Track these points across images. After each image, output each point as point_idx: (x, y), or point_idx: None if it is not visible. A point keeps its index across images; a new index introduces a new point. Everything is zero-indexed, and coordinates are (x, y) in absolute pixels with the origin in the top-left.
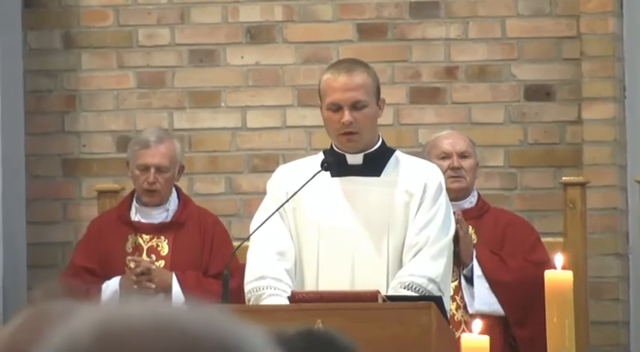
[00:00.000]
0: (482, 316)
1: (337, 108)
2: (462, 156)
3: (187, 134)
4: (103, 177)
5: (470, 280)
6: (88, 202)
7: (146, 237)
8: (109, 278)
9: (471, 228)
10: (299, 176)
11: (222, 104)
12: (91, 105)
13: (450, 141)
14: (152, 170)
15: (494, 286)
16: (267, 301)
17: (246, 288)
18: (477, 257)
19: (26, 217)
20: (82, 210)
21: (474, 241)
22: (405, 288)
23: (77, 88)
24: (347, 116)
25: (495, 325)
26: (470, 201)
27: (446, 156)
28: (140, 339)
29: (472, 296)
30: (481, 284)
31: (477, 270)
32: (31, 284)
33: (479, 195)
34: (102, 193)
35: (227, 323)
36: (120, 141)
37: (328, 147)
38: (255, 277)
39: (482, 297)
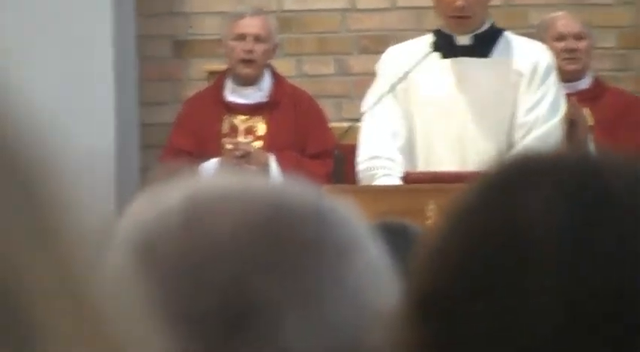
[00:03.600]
0: None
1: None
2: (578, 37)
3: (297, 15)
4: (213, 58)
5: None
6: (198, 83)
7: (242, 117)
8: (205, 159)
9: (587, 110)
10: (409, 57)
11: None
12: None
13: (565, 22)
14: (249, 38)
15: None
16: (380, 181)
17: (359, 168)
18: (593, 140)
19: (138, 98)
20: (191, 91)
21: (590, 124)
22: None
23: None
24: (460, 0)
25: None
26: (585, 82)
27: (561, 37)
28: (229, 219)
29: None
30: None
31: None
32: (143, 165)
33: (595, 75)
34: (211, 74)
35: (320, 197)
36: None
37: (437, 28)
38: (369, 157)
39: None
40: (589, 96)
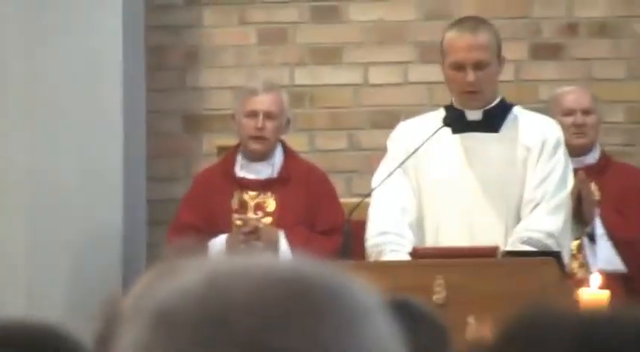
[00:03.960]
0: (604, 273)
1: (460, 67)
2: (586, 112)
3: (309, 90)
4: (223, 133)
5: (593, 239)
6: (209, 158)
7: (252, 193)
8: (214, 235)
9: (593, 184)
10: (419, 132)
11: (344, 60)
12: (212, 61)
13: (573, 97)
14: (261, 116)
15: (618, 244)
16: (388, 257)
17: (368, 243)
18: (600, 215)
19: (147, 173)
20: (202, 167)
21: (597, 198)
22: (523, 243)
23: (199, 43)
24: (471, 76)
25: (615, 281)
26: (593, 157)
27: (569, 112)
28: (249, 287)
29: (594, 254)
30: (604, 243)
31: (600, 229)
32: (151, 241)
33: (602, 150)
34: (222, 149)
35: (336, 274)
36: None
37: (449, 103)
38: (377, 232)
39: (605, 256)
40: (596, 171)
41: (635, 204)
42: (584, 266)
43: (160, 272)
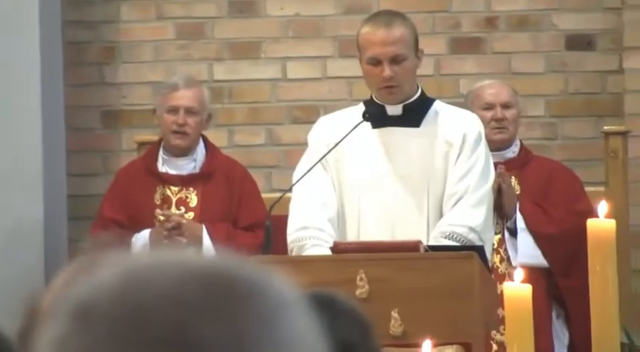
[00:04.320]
0: (526, 267)
1: (377, 62)
2: (505, 106)
3: (227, 85)
4: (143, 128)
5: (513, 233)
6: (128, 154)
7: (174, 188)
8: (137, 230)
9: (513, 178)
10: (340, 127)
11: (262, 55)
12: (131, 56)
13: (493, 91)
14: (181, 111)
15: (538, 238)
16: (309, 251)
17: (289, 239)
18: (520, 209)
19: (66, 169)
20: (122, 162)
21: (517, 192)
22: (445, 238)
23: (116, 39)
24: (387, 71)
25: (538, 275)
26: (512, 151)
27: (489, 106)
28: (168, 282)
29: (515, 248)
30: (524, 237)
31: (520, 223)
32: (72, 236)
33: (521, 144)
34: (142, 145)
35: (255, 268)
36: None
37: (369, 97)
38: (298, 227)
39: (526, 250)
40: (516, 165)
41: (556, 198)
42: (505, 260)
43: (80, 267)
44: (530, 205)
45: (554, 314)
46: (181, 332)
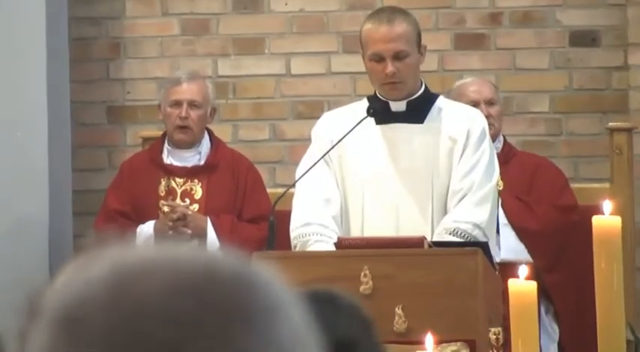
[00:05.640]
0: (509, 263)
1: (379, 58)
2: (489, 103)
3: (231, 81)
4: (148, 123)
5: (497, 229)
6: (133, 149)
7: (179, 180)
8: (142, 221)
9: None
10: (343, 123)
11: (266, 51)
12: (136, 52)
13: (475, 88)
14: (184, 105)
15: (522, 234)
16: (313, 247)
17: (292, 235)
18: (502, 205)
19: (72, 165)
20: (127, 157)
21: (500, 188)
22: (450, 234)
23: (122, 35)
24: (390, 67)
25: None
26: (496, 147)
27: (473, 104)
28: (156, 278)
29: (498, 244)
30: (507, 233)
31: (503, 218)
32: (77, 232)
33: (505, 140)
34: (146, 140)
35: (247, 269)
36: None
37: (372, 93)
38: (302, 223)
39: (509, 245)
40: (499, 161)
41: (540, 193)
42: None
43: (79, 265)
44: (513, 200)
45: (542, 310)
46: (178, 347)
